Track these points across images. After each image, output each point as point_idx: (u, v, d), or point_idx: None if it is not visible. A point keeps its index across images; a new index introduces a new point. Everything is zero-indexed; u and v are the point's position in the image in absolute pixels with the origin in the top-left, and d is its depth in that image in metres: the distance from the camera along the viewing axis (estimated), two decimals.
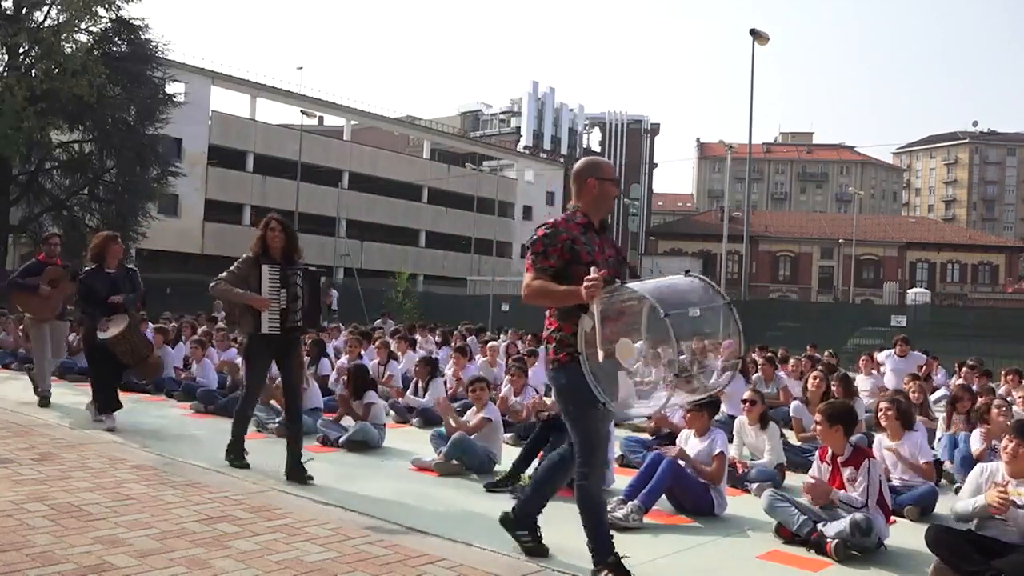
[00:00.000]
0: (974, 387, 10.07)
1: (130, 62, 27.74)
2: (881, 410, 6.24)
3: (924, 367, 12.50)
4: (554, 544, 4.51)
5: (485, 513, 5.46)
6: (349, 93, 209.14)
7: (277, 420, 8.10)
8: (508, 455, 6.85)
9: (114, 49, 27.93)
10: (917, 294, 46.34)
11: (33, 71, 26.75)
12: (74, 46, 26.70)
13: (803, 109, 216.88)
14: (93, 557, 3.99)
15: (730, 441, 6.82)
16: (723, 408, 8.07)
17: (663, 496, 5.56)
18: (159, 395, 10.47)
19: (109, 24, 27.87)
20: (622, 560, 3.98)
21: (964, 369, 13.07)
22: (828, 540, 4.77)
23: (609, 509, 4.80)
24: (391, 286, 36.95)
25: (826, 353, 14.06)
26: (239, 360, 10.30)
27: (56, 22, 27.02)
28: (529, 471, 6.13)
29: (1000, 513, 4.36)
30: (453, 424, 7.05)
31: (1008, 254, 70.59)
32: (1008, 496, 4.35)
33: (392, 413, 9.55)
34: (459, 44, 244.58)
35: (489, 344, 13.19)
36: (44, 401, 8.99)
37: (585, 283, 3.69)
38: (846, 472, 5.08)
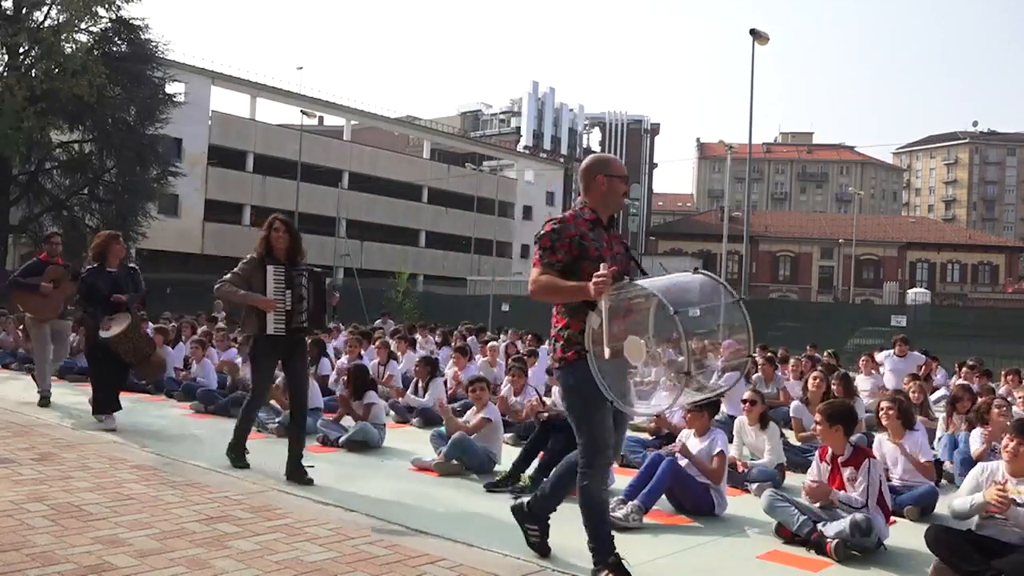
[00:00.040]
0: (974, 387, 10.07)
1: (130, 62, 27.76)
2: (883, 409, 6.25)
3: (923, 367, 12.49)
4: (555, 544, 4.51)
5: (485, 513, 5.47)
6: (349, 93, 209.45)
7: (277, 420, 8.11)
8: (508, 455, 6.85)
9: (114, 49, 27.95)
10: (917, 294, 46.33)
11: (33, 71, 26.77)
12: (74, 46, 26.72)
13: (803, 109, 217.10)
14: (93, 557, 3.99)
15: (730, 441, 6.82)
16: (723, 408, 8.08)
17: (663, 496, 5.56)
18: (159, 395, 10.48)
19: (109, 24, 27.89)
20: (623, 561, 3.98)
21: (964, 369, 13.07)
22: (828, 540, 4.77)
23: (609, 509, 4.78)
24: (391, 286, 36.95)
25: (826, 353, 14.05)
26: (239, 360, 10.31)
27: (56, 22, 27.04)
28: (529, 471, 6.13)
29: (1000, 512, 4.36)
30: (453, 425, 7.04)
31: (1008, 254, 70.60)
32: (1008, 494, 4.35)
33: (392, 413, 9.55)
34: (459, 44, 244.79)
35: (489, 344, 13.19)
36: (44, 401, 8.99)
37: (594, 279, 3.66)
38: (846, 472, 5.08)
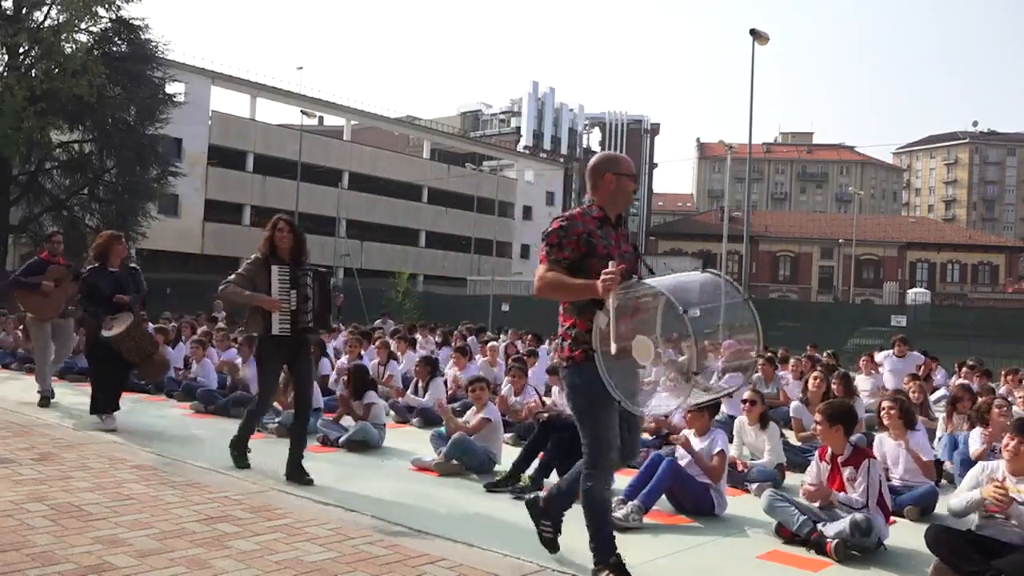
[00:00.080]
0: (974, 387, 10.07)
1: (130, 62, 27.77)
2: (884, 409, 6.25)
3: (923, 367, 12.49)
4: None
5: (485, 513, 5.47)
6: (349, 93, 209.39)
7: (277, 420, 8.11)
8: (508, 455, 6.85)
9: (114, 49, 27.96)
10: (917, 294, 46.34)
11: (33, 71, 26.78)
12: (74, 46, 26.73)
13: (803, 109, 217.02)
14: (93, 557, 3.99)
15: (730, 441, 6.82)
16: (723, 408, 8.08)
17: (663, 496, 5.56)
18: (159, 395, 10.48)
19: (109, 24, 27.90)
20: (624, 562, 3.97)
21: (964, 369, 13.07)
22: (828, 540, 4.77)
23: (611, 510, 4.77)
24: (391, 286, 36.96)
25: (825, 354, 14.05)
26: (239, 360, 10.31)
27: (56, 22, 27.05)
28: (529, 471, 6.14)
29: (1000, 510, 4.36)
30: (452, 425, 7.04)
31: (1008, 254, 70.60)
32: (1007, 491, 4.35)
33: (392, 413, 9.55)
34: (459, 44, 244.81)
35: (489, 344, 13.19)
36: (44, 401, 8.99)
37: (602, 277, 3.62)
38: (846, 472, 5.08)
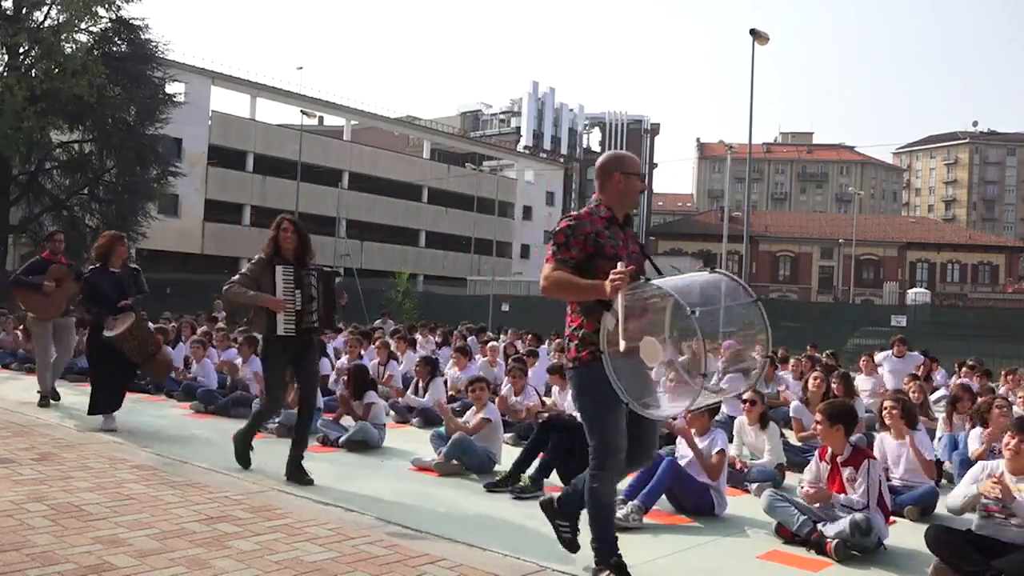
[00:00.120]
0: (974, 387, 10.07)
1: (130, 62, 27.77)
2: (886, 408, 6.24)
3: (922, 367, 12.48)
4: (556, 542, 4.51)
5: (485, 513, 5.47)
6: (349, 93, 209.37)
7: (277, 420, 8.09)
8: (508, 455, 6.85)
9: (114, 49, 27.96)
10: (917, 294, 46.33)
11: (33, 71, 26.78)
12: (74, 46, 26.73)
13: (803, 109, 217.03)
14: (93, 557, 3.99)
15: (730, 441, 6.82)
16: (723, 408, 8.08)
17: (663, 496, 5.56)
18: (159, 395, 10.48)
19: (109, 24, 27.90)
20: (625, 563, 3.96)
21: (964, 369, 13.06)
22: (828, 540, 4.77)
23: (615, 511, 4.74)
24: (391, 286, 36.96)
25: (825, 354, 14.04)
26: (239, 360, 10.31)
27: (56, 22, 27.05)
28: (529, 471, 6.13)
29: (1005, 499, 4.35)
30: (452, 425, 7.04)
31: (1008, 254, 70.59)
32: (1007, 485, 4.35)
33: (392, 413, 9.55)
34: (459, 44, 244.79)
35: (489, 344, 13.19)
36: (44, 401, 8.99)
37: (611, 277, 3.59)
38: (845, 472, 5.08)
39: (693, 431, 6.05)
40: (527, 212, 63.80)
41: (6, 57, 27.46)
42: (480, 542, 4.62)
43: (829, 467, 5.19)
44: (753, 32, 25.00)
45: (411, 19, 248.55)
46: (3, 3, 27.50)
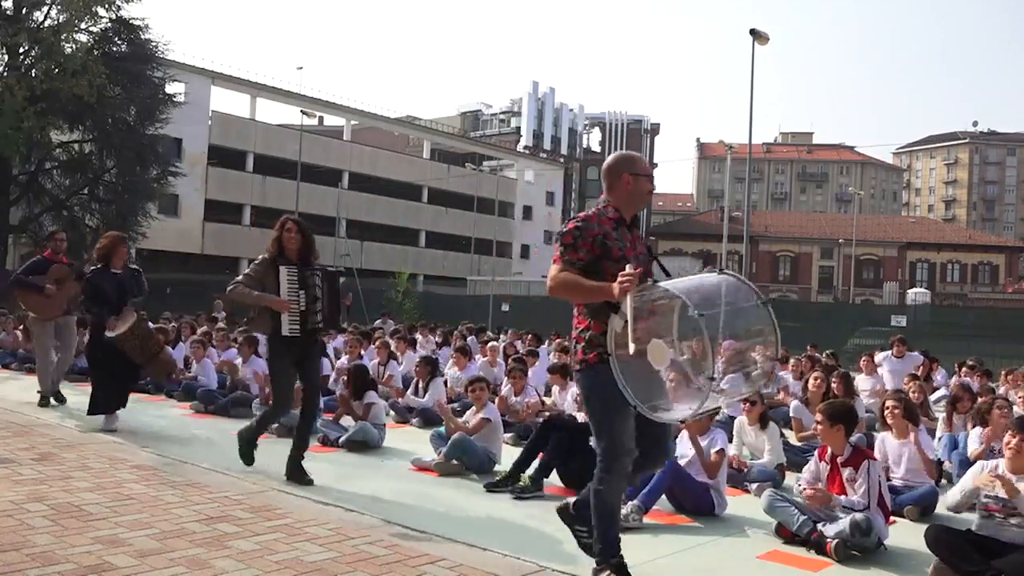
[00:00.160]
0: (974, 387, 10.07)
1: (130, 62, 27.78)
2: (888, 408, 6.24)
3: (921, 368, 12.48)
4: (556, 542, 4.51)
5: (485, 513, 5.47)
6: (349, 93, 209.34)
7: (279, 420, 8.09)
8: (508, 455, 6.85)
9: (114, 49, 27.98)
10: (917, 294, 46.33)
11: (33, 71, 26.79)
12: (74, 46, 26.75)
13: (803, 109, 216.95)
14: (93, 557, 3.99)
15: (730, 441, 6.82)
16: (723, 408, 8.07)
17: (663, 496, 5.56)
18: (159, 395, 10.48)
19: (109, 24, 27.92)
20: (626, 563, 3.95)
21: (964, 369, 13.05)
22: (828, 540, 4.77)
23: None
24: (391, 286, 36.98)
25: (825, 354, 14.04)
26: (239, 360, 10.31)
27: (56, 22, 27.07)
28: (529, 471, 6.13)
29: (1009, 497, 4.35)
30: (452, 425, 7.05)
31: (1008, 254, 70.57)
32: (1011, 481, 4.36)
33: (392, 413, 9.55)
34: (459, 44, 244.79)
35: (489, 344, 13.19)
36: (44, 401, 8.99)
37: (619, 279, 3.56)
38: (845, 472, 5.08)
39: (693, 431, 6.05)
40: (527, 212, 63.82)
41: (6, 57, 27.48)
42: (480, 542, 4.62)
43: (829, 467, 5.19)
44: (753, 32, 25.00)
45: (411, 19, 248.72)
46: (3, 3, 27.53)
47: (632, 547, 4.38)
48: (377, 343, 11.99)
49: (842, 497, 5.01)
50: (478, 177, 57.64)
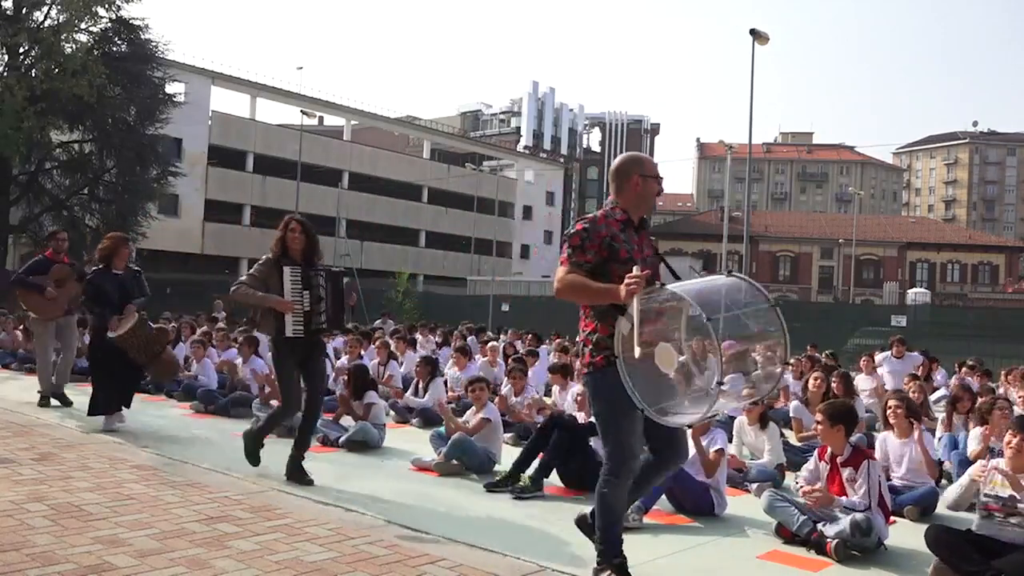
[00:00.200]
0: (974, 387, 10.07)
1: (130, 62, 27.79)
2: (890, 408, 6.24)
3: (921, 368, 12.48)
4: (556, 542, 4.51)
5: (485, 513, 5.47)
6: (349, 93, 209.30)
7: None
8: (508, 455, 6.85)
9: (114, 49, 27.98)
10: (917, 294, 46.33)
11: (33, 71, 26.79)
12: (74, 46, 26.75)
13: (803, 109, 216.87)
14: (93, 557, 3.99)
15: (730, 441, 6.82)
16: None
17: (663, 496, 5.56)
18: (159, 395, 10.48)
19: (109, 24, 27.92)
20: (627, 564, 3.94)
21: (964, 369, 13.05)
22: (828, 540, 4.77)
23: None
24: (391, 286, 36.99)
25: (824, 354, 14.04)
26: (239, 360, 10.31)
27: (56, 22, 27.07)
28: (529, 471, 6.14)
29: (1014, 486, 4.36)
30: (452, 425, 7.05)
31: (1008, 254, 70.56)
32: (1016, 477, 4.37)
33: (392, 413, 9.56)
34: (459, 44, 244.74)
35: (489, 344, 13.19)
36: (44, 401, 8.99)
37: (626, 281, 3.55)
38: (845, 472, 5.08)
39: (695, 432, 6.05)
40: (527, 212, 63.83)
41: (6, 57, 27.48)
42: (480, 542, 4.62)
43: (828, 467, 5.19)
44: (753, 32, 25.00)
45: (411, 19, 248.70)
46: (3, 3, 27.53)
47: (632, 547, 4.37)
48: (377, 343, 11.99)
49: (843, 498, 5.01)
50: (478, 177, 57.65)
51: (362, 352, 11.75)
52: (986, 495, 4.50)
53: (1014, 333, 25.21)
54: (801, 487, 5.19)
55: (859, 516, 4.75)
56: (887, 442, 6.25)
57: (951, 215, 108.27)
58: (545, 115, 76.14)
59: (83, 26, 27.31)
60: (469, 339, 15.12)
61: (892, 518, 5.24)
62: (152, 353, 7.88)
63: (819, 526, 4.90)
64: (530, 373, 9.86)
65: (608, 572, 3.92)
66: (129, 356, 7.72)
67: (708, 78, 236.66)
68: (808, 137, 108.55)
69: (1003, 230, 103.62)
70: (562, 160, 71.88)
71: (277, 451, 6.34)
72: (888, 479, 5.88)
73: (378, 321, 21.74)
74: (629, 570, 3.95)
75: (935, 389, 12.94)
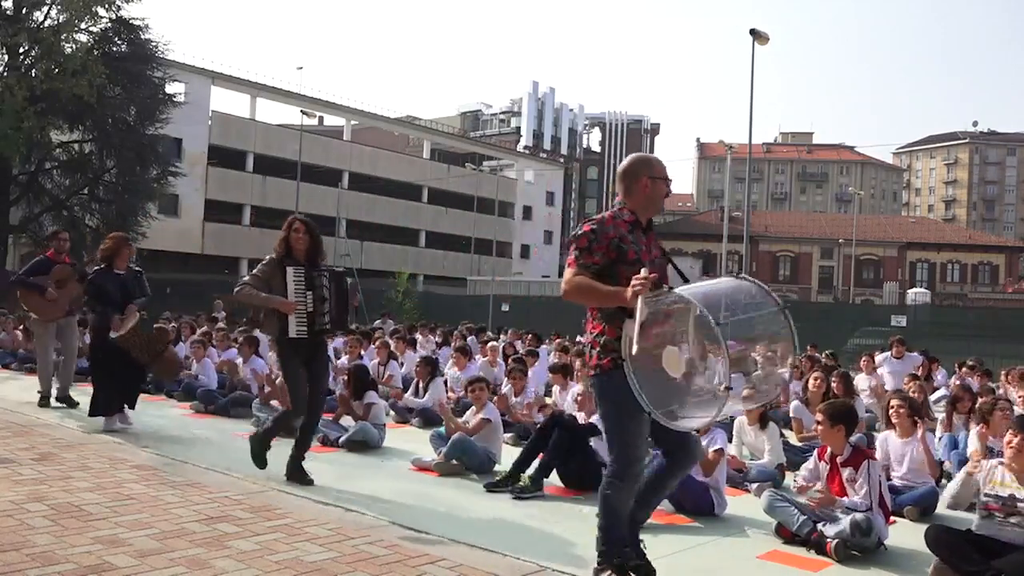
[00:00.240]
0: (974, 387, 10.07)
1: (130, 62, 27.78)
2: (893, 407, 6.24)
3: (921, 368, 12.48)
4: (556, 542, 4.51)
5: (485, 513, 5.47)
6: (349, 93, 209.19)
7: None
8: (508, 455, 6.85)
9: (114, 49, 27.98)
10: (917, 294, 46.36)
11: (33, 71, 26.79)
12: (74, 46, 26.75)
13: (803, 109, 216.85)
14: (93, 557, 3.99)
15: (730, 441, 6.81)
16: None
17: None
18: (159, 395, 10.48)
19: (109, 24, 27.92)
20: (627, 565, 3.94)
21: (964, 369, 13.04)
22: (828, 540, 4.77)
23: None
24: (391, 286, 37.00)
25: (824, 354, 14.04)
26: (239, 360, 10.31)
27: (56, 22, 27.07)
28: (529, 471, 6.14)
29: (1014, 469, 4.37)
30: (452, 425, 7.05)
31: (1008, 254, 70.56)
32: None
33: (392, 413, 9.56)
34: (459, 44, 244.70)
35: (489, 344, 13.19)
36: (44, 401, 8.98)
37: (632, 283, 3.53)
38: (845, 472, 5.08)
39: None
40: (527, 212, 63.84)
41: (6, 57, 27.48)
42: (480, 542, 4.62)
43: (828, 467, 5.19)
44: (753, 32, 25.00)
45: (411, 19, 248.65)
46: (3, 3, 27.52)
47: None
48: (377, 343, 11.99)
49: (845, 499, 5.01)
50: (478, 177, 57.66)
51: (362, 352, 11.75)
52: (986, 495, 4.51)
53: (1014, 333, 25.22)
54: (798, 485, 5.19)
55: (859, 516, 4.75)
56: (888, 441, 6.24)
57: (951, 215, 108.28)
58: (545, 115, 76.15)
59: (83, 26, 27.31)
60: (469, 339, 15.12)
61: (892, 518, 5.24)
62: (155, 352, 7.87)
63: (819, 526, 4.90)
64: (530, 373, 9.86)
65: (609, 572, 3.92)
66: (132, 356, 7.71)
67: (708, 78, 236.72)
68: (808, 137, 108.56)
69: (1003, 230, 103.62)
70: (562, 160, 71.89)
71: (278, 451, 6.33)
72: (888, 479, 5.88)
73: (378, 321, 21.74)
74: (629, 571, 3.96)
75: (935, 389, 12.94)
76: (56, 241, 9.34)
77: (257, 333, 11.24)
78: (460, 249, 56.32)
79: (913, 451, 6.08)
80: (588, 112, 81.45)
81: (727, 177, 53.10)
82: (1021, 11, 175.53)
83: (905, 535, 5.17)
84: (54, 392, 9.09)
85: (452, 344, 14.33)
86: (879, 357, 12.89)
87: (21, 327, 13.78)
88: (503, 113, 79.58)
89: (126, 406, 7.99)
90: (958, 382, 10.56)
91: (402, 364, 11.91)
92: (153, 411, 9.30)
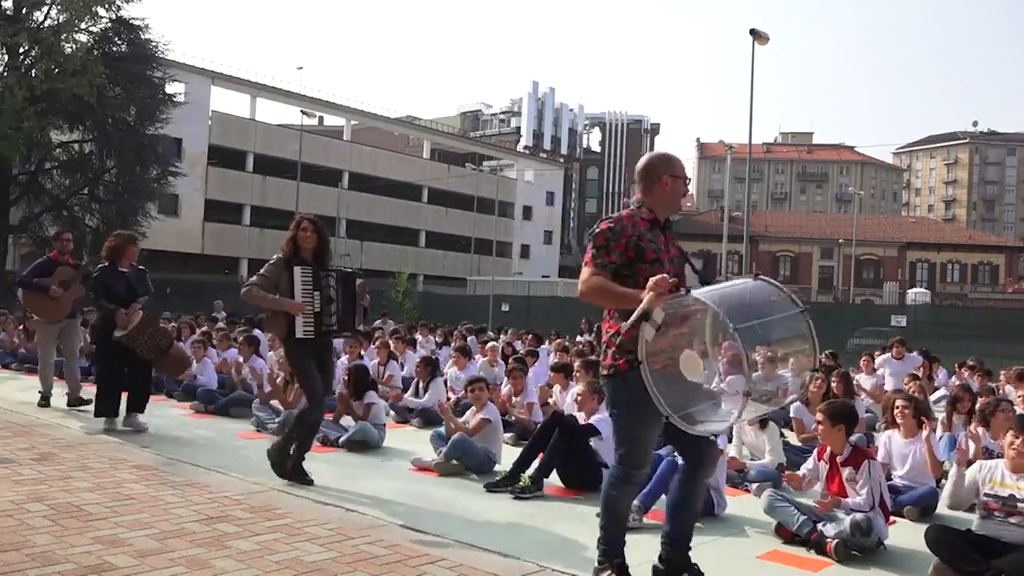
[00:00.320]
0: (974, 387, 10.06)
1: (130, 62, 27.78)
2: (898, 407, 6.23)
3: (921, 368, 12.47)
4: (556, 542, 4.50)
5: (485, 513, 5.46)
6: (349, 93, 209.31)
7: (277, 420, 8.10)
8: (508, 455, 6.85)
9: (114, 49, 27.98)
10: (917, 294, 46.36)
11: (33, 71, 26.79)
12: (74, 46, 26.75)
13: (803, 109, 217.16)
14: (93, 557, 3.99)
15: (729, 441, 6.81)
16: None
17: (663, 496, 5.55)
18: (159, 395, 10.45)
19: (109, 24, 27.92)
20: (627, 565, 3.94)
21: (964, 369, 13.04)
22: (828, 540, 4.77)
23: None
24: (391, 286, 36.98)
25: (824, 354, 14.02)
26: (239, 360, 10.30)
27: (56, 22, 27.07)
28: (529, 471, 6.13)
29: (1016, 466, 4.38)
30: (452, 425, 7.04)
31: (1008, 254, 70.58)
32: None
33: (392, 413, 9.55)
34: (459, 44, 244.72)
35: (489, 344, 13.18)
36: (44, 401, 8.97)
37: (648, 286, 3.48)
38: (845, 472, 5.08)
39: None
40: (527, 212, 63.83)
41: (6, 57, 27.47)
42: (480, 542, 4.62)
43: (828, 466, 5.19)
44: (753, 32, 25.00)
45: (411, 19, 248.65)
46: (3, 3, 27.52)
47: (632, 547, 4.37)
48: (377, 343, 11.99)
49: (847, 500, 5.01)
50: (478, 177, 57.64)
51: (362, 352, 11.74)
52: (986, 495, 4.50)
53: (1014, 333, 25.20)
54: (788, 473, 5.16)
55: (859, 516, 4.75)
56: (891, 441, 6.24)
57: (951, 215, 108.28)
58: (545, 115, 76.13)
59: (83, 26, 27.31)
60: (469, 339, 15.11)
61: (892, 518, 5.24)
62: (160, 349, 7.85)
63: (819, 526, 4.90)
64: (530, 373, 9.85)
65: (609, 572, 3.92)
66: (138, 355, 7.69)
67: (708, 78, 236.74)
68: (808, 137, 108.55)
69: (1003, 230, 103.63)
70: (562, 160, 71.89)
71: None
72: (889, 479, 5.88)
73: (378, 321, 21.73)
74: (630, 571, 3.95)
75: (935, 389, 12.94)
76: (60, 242, 9.33)
77: (257, 333, 11.24)
78: (460, 249, 56.31)
79: (916, 451, 6.08)
80: (588, 112, 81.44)
81: (727, 177, 53.10)
82: (1021, 11, 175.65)
83: (905, 535, 5.17)
84: (64, 398, 9.06)
85: (452, 344, 14.32)
86: (880, 359, 12.89)
87: (21, 327, 13.78)
88: (503, 113, 79.58)
89: (135, 412, 7.89)
90: (958, 382, 10.55)
91: (402, 364, 11.91)
92: (153, 411, 9.27)
